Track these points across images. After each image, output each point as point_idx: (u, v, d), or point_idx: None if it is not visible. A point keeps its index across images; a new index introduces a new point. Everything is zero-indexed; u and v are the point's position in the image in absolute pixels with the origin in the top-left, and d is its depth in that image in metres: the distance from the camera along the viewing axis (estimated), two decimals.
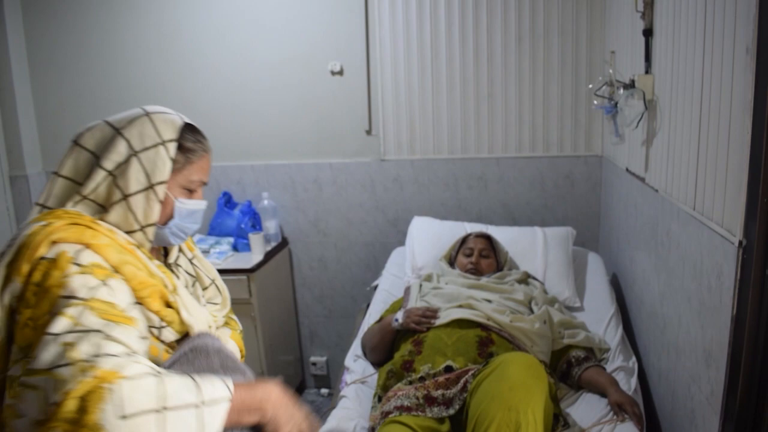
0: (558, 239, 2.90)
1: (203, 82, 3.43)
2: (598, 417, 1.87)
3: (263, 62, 3.36)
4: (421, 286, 2.49)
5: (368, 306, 2.86)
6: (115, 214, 1.18)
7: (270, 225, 3.40)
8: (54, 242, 1.06)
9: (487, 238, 2.73)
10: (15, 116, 3.49)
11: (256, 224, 3.39)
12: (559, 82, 3.16)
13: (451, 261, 2.75)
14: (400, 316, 2.24)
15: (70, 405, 0.88)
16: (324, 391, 3.71)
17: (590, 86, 3.02)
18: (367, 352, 2.36)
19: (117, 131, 1.20)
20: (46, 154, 3.66)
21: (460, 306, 2.23)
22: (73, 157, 1.22)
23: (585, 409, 1.95)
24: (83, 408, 0.87)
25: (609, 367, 2.17)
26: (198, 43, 3.39)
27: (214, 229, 3.43)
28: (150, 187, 1.19)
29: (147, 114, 1.23)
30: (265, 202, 3.39)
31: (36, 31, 3.50)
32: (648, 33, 2.17)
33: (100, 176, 1.18)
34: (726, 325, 1.45)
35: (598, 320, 2.48)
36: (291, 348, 3.59)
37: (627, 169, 2.58)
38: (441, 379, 1.91)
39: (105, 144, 1.19)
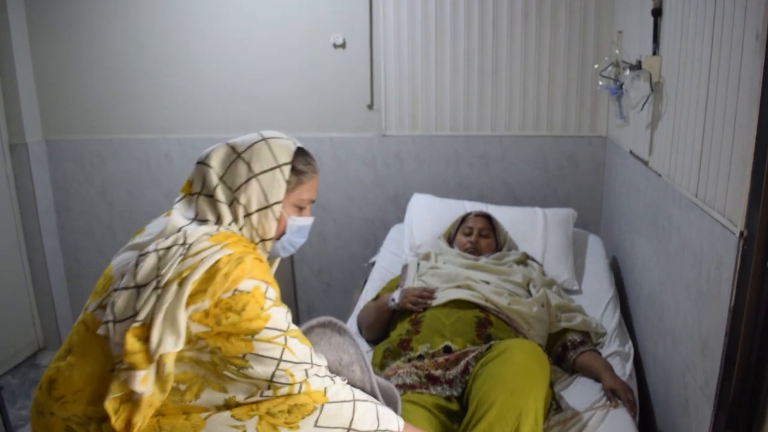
0: (559, 221, 2.88)
1: (204, 54, 3.38)
2: (592, 402, 1.87)
3: (265, 34, 3.31)
4: (418, 265, 2.48)
5: (365, 282, 2.85)
6: (245, 229, 1.33)
7: None
8: (249, 278, 1.21)
9: (487, 218, 2.71)
10: (15, 84, 3.45)
11: None
12: (564, 61, 3.11)
13: (450, 239, 2.73)
14: (396, 295, 2.22)
15: (283, 405, 1.23)
16: None
17: (596, 66, 2.96)
18: (363, 329, 2.36)
19: (238, 155, 1.34)
20: (45, 122, 3.63)
21: (458, 287, 2.22)
22: (201, 176, 1.35)
23: (579, 393, 1.94)
24: (291, 411, 1.22)
25: (605, 352, 2.16)
26: (199, 15, 3.33)
27: None
28: (268, 206, 1.33)
29: (264, 139, 1.37)
30: None
31: None
32: (657, 13, 2.12)
33: (225, 194, 1.32)
34: (723, 316, 1.43)
35: (596, 304, 2.47)
36: None
37: (631, 152, 2.54)
38: (440, 359, 1.91)
39: (227, 165, 1.34)
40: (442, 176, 3.35)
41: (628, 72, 2.27)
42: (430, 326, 2.06)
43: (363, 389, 1.42)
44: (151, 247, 1.25)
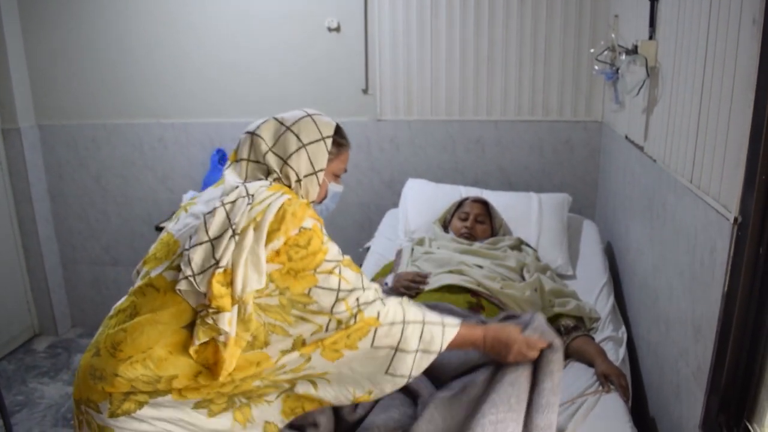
0: (553, 206, 2.88)
1: (197, 36, 3.35)
2: (584, 387, 1.87)
3: (259, 17, 3.28)
4: (412, 250, 2.48)
5: (360, 267, 2.85)
6: (294, 192, 1.48)
7: None
8: (308, 217, 1.38)
9: (484, 204, 2.71)
10: (6, 69, 3.42)
11: None
12: (560, 45, 3.09)
13: (446, 224, 2.73)
14: (390, 279, 2.22)
15: (342, 334, 1.40)
16: None
17: (592, 50, 2.95)
18: None
19: (287, 128, 1.51)
20: (38, 107, 3.60)
21: (451, 272, 2.22)
22: (249, 144, 1.52)
23: (571, 378, 1.94)
24: (350, 336, 1.40)
25: (598, 337, 2.17)
26: None
27: (207, 186, 3.38)
28: (314, 173, 1.50)
29: (309, 115, 1.55)
30: None
31: None
32: None
33: (275, 161, 1.49)
34: (716, 302, 1.44)
35: (590, 289, 2.47)
36: None
37: (626, 137, 2.54)
38: None
39: (277, 137, 1.50)
40: (437, 161, 3.34)
41: (623, 56, 2.26)
42: None
43: None
44: (217, 203, 1.38)
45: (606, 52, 2.57)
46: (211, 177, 3.38)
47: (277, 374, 1.42)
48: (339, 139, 1.58)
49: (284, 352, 1.40)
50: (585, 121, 3.19)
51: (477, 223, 2.62)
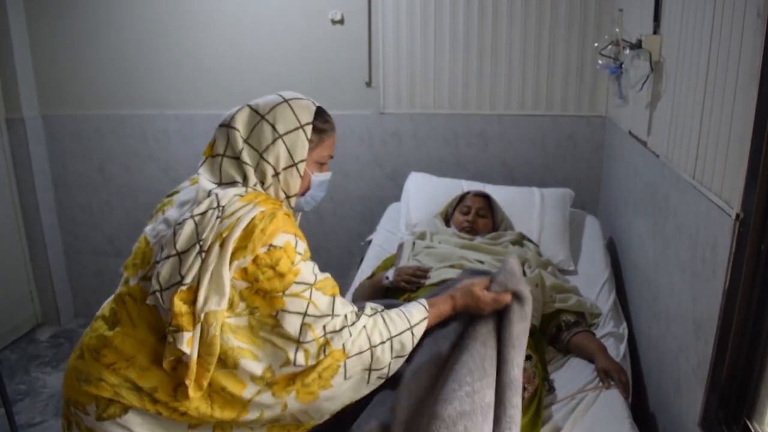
0: (556, 201, 2.86)
1: (201, 28, 3.34)
2: (585, 383, 1.87)
3: (263, 9, 3.27)
4: (414, 244, 2.47)
5: (362, 261, 2.85)
6: (272, 188, 1.41)
7: None
8: (282, 233, 1.30)
9: (486, 198, 2.70)
10: (11, 59, 3.43)
11: None
12: (564, 39, 3.07)
13: (447, 218, 2.72)
14: (390, 273, 2.22)
15: (313, 374, 1.35)
16: None
17: (596, 44, 2.93)
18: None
19: (262, 117, 1.40)
20: (42, 97, 3.60)
21: (452, 266, 2.21)
22: (225, 138, 1.41)
23: (572, 374, 1.94)
24: (321, 376, 1.35)
25: (599, 332, 2.16)
26: None
27: None
28: (293, 165, 1.40)
29: (285, 101, 1.43)
30: None
31: None
32: None
33: (251, 155, 1.38)
34: (717, 298, 1.43)
35: (592, 284, 2.46)
36: None
37: (630, 132, 2.52)
38: None
39: (252, 127, 1.40)
40: (439, 155, 3.33)
41: (628, 51, 2.24)
42: None
43: None
44: (187, 215, 1.31)
45: (610, 47, 2.55)
46: None
47: (258, 422, 1.39)
48: (320, 124, 1.46)
49: (255, 381, 1.33)
50: (588, 116, 3.17)
51: (478, 217, 2.61)
